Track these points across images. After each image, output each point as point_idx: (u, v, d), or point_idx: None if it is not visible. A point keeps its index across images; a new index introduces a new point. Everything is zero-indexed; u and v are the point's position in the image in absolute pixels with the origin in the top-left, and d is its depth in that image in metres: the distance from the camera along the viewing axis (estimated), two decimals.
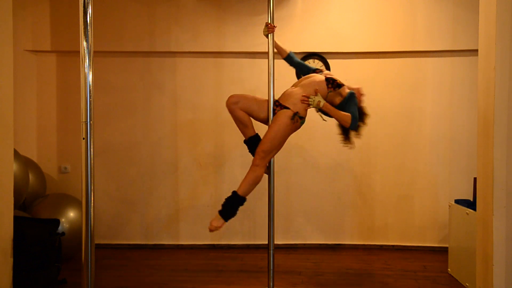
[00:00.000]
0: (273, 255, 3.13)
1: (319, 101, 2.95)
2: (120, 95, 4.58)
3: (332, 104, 3.04)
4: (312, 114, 3.28)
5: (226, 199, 2.97)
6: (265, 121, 3.09)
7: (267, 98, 3.09)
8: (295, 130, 3.01)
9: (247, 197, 2.97)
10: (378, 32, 4.44)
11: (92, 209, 2.33)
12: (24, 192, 3.72)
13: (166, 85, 4.59)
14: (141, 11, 4.50)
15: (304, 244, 4.58)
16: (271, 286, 3.14)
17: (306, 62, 3.72)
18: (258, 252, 4.34)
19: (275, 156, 3.13)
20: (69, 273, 3.54)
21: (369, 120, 3.19)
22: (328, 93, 3.02)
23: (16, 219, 3.01)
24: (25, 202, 3.94)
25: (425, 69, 4.49)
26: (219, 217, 2.94)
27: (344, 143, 3.12)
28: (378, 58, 4.50)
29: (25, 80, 4.49)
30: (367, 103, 3.21)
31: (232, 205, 2.94)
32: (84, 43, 2.29)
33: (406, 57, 4.49)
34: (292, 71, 4.41)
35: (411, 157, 4.51)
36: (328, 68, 4.44)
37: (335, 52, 4.47)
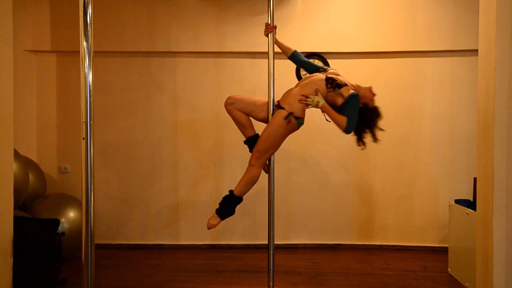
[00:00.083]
0: (273, 255, 3.13)
1: (318, 101, 2.89)
2: (120, 95, 4.58)
3: (334, 104, 2.93)
4: (312, 114, 3.29)
5: (223, 198, 3.05)
6: (265, 121, 3.09)
7: (266, 98, 3.09)
8: (292, 131, 2.97)
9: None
10: (378, 32, 4.44)
11: (92, 209, 2.33)
12: (24, 192, 3.72)
13: (166, 85, 4.59)
14: (141, 11, 4.50)
15: (304, 244, 4.58)
16: (271, 286, 3.14)
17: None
18: (258, 252, 4.34)
19: (275, 156, 3.13)
20: (69, 273, 3.55)
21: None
22: (327, 93, 2.92)
23: (16, 219, 3.01)
24: (25, 202, 3.94)
25: (425, 69, 4.49)
26: (216, 215, 3.02)
27: (357, 144, 3.03)
28: (378, 58, 4.50)
29: (25, 80, 4.49)
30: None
31: (228, 205, 3.02)
32: (84, 43, 2.29)
33: (406, 57, 4.49)
34: (292, 71, 4.43)
35: (411, 157, 4.51)
36: None
37: (335, 52, 4.47)
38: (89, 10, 2.29)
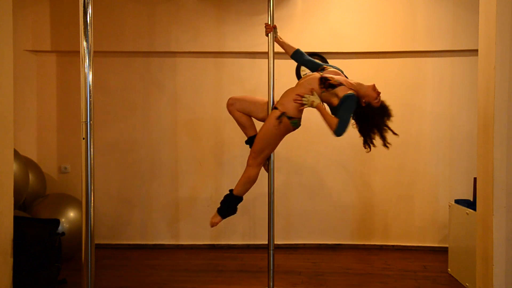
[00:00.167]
0: (273, 255, 3.13)
1: (313, 101, 2.83)
2: (120, 95, 4.58)
3: (330, 105, 2.88)
4: (312, 114, 3.28)
5: (224, 197, 3.07)
6: (265, 121, 3.09)
7: (266, 98, 3.09)
8: (287, 131, 2.92)
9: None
10: (378, 32, 4.44)
11: (92, 209, 2.33)
12: (24, 192, 3.72)
13: (166, 85, 4.59)
14: (141, 11, 4.50)
15: (304, 244, 4.58)
16: (271, 286, 3.14)
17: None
18: (258, 252, 4.34)
19: (275, 156, 3.13)
20: (69, 273, 3.54)
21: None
22: (321, 93, 2.84)
23: (16, 219, 3.01)
24: (25, 202, 3.94)
25: (425, 69, 4.49)
26: (217, 214, 3.06)
27: (363, 146, 2.95)
28: (378, 58, 4.50)
29: (25, 80, 4.49)
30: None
31: (228, 204, 3.05)
32: (84, 43, 2.29)
33: (406, 57, 4.49)
34: (292, 71, 4.43)
35: (411, 157, 4.51)
36: None
37: (335, 52, 4.47)
38: (89, 10, 2.29)
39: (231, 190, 3.04)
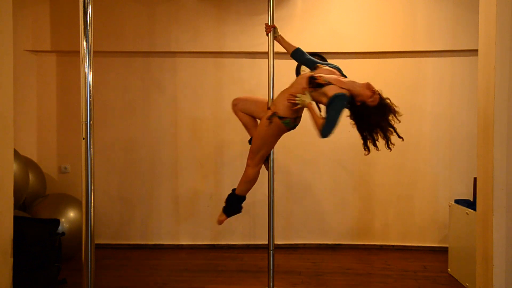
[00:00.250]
0: (273, 255, 3.13)
1: (304, 100, 2.71)
2: (120, 95, 4.58)
3: (321, 104, 2.78)
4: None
5: (227, 196, 3.11)
6: None
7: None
8: (280, 131, 2.86)
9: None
10: (378, 32, 4.44)
11: (92, 209, 2.32)
12: (24, 192, 3.72)
13: (166, 85, 4.59)
14: (141, 11, 4.50)
15: (304, 244, 4.58)
16: (271, 286, 3.14)
17: None
18: (258, 252, 4.34)
19: (275, 156, 3.14)
20: (69, 273, 3.54)
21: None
22: (310, 92, 2.73)
23: (16, 219, 3.01)
24: (25, 202, 3.94)
25: (425, 69, 4.49)
26: (222, 213, 3.10)
27: (364, 148, 2.84)
28: (378, 58, 4.50)
29: (25, 80, 4.49)
30: None
31: (231, 203, 3.08)
32: (84, 43, 2.29)
33: (406, 57, 4.49)
34: (292, 71, 4.43)
35: (411, 157, 4.51)
36: None
37: (335, 52, 4.46)
38: (89, 10, 2.29)
39: (234, 190, 3.07)
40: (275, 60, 3.11)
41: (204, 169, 4.59)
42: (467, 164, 4.38)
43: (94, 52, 2.36)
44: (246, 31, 4.47)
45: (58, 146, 4.61)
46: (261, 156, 2.98)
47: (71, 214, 3.94)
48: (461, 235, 3.62)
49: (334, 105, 2.60)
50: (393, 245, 4.54)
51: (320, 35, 4.46)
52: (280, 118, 2.81)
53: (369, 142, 2.78)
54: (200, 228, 4.56)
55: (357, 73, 4.40)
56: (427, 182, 4.51)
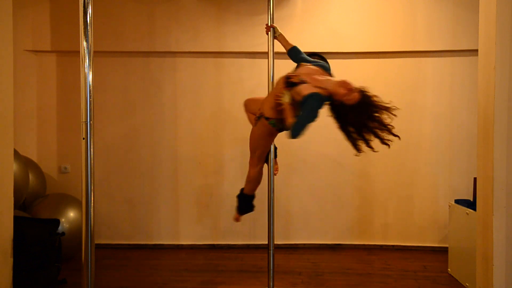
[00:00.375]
0: (273, 255, 3.13)
1: (284, 100, 2.59)
2: (120, 95, 4.58)
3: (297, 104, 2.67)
4: None
5: (237, 195, 3.15)
6: None
7: None
8: (269, 131, 2.80)
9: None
10: (378, 32, 4.44)
11: (92, 209, 2.33)
12: (24, 192, 3.72)
13: (166, 85, 4.59)
14: (141, 11, 4.49)
15: (304, 244, 4.58)
16: (271, 286, 3.14)
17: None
18: (258, 252, 4.34)
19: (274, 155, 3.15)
20: (69, 273, 3.54)
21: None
22: (287, 92, 2.60)
23: (16, 219, 3.01)
24: (25, 202, 3.94)
25: (425, 69, 4.49)
26: (236, 212, 3.16)
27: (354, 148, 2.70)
28: (378, 58, 4.50)
29: (25, 80, 4.49)
30: None
31: (240, 202, 3.12)
32: (84, 43, 2.29)
33: (406, 57, 4.49)
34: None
35: (411, 157, 4.51)
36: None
37: (335, 52, 4.46)
38: (89, 10, 2.29)
39: (242, 189, 3.10)
40: (275, 60, 3.11)
41: (204, 169, 4.59)
42: (467, 164, 4.38)
43: (94, 52, 2.36)
44: (246, 31, 4.47)
45: (58, 146, 4.61)
46: (258, 156, 2.98)
47: (71, 214, 3.94)
48: (461, 235, 3.62)
49: (306, 105, 2.48)
50: (393, 245, 4.54)
51: (320, 35, 4.46)
52: (266, 119, 2.76)
53: (361, 142, 2.62)
54: (200, 228, 4.55)
55: (357, 73, 4.43)
56: (427, 182, 4.51)
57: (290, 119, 2.51)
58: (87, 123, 2.30)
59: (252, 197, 3.08)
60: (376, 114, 2.54)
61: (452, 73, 4.46)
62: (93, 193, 2.33)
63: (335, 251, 4.48)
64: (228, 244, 4.58)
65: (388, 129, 2.57)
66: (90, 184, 2.32)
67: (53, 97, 4.60)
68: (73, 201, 4.06)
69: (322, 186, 4.57)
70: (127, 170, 4.59)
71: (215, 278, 3.72)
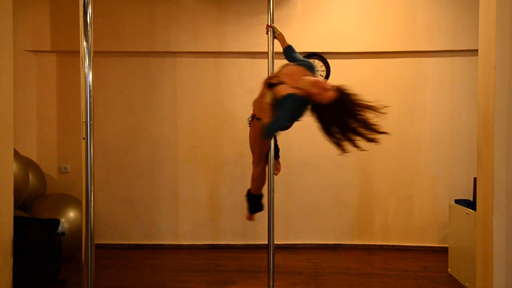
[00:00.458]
0: (273, 255, 3.13)
1: (267, 100, 2.61)
2: (120, 95, 4.58)
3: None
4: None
5: (245, 195, 3.27)
6: None
7: None
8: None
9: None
10: (378, 32, 4.44)
11: (92, 209, 2.33)
12: (24, 192, 3.72)
13: (166, 85, 4.59)
14: (141, 11, 4.49)
15: (304, 244, 4.58)
16: (271, 286, 3.14)
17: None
18: (258, 252, 4.34)
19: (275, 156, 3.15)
20: (69, 273, 3.55)
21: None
22: (268, 92, 2.63)
23: (16, 219, 3.01)
24: (25, 202, 3.94)
25: (425, 69, 4.49)
26: (247, 211, 3.30)
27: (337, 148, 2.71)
28: (378, 58, 4.50)
29: (25, 80, 4.49)
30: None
31: (249, 202, 3.22)
32: (84, 43, 2.29)
33: (406, 57, 4.49)
34: None
35: (411, 157, 4.51)
36: (328, 68, 4.44)
37: (335, 52, 4.47)
38: (89, 10, 2.29)
39: (249, 189, 3.18)
40: (275, 60, 3.11)
41: (204, 169, 4.59)
42: (467, 164, 4.38)
43: (94, 52, 2.36)
44: (246, 31, 4.47)
45: (58, 146, 4.61)
46: (258, 156, 3.01)
47: (71, 214, 3.94)
48: (461, 235, 3.62)
49: (281, 106, 2.49)
50: (393, 245, 4.54)
51: (320, 35, 4.46)
52: (258, 119, 2.80)
53: (347, 143, 2.59)
54: (200, 228, 4.55)
55: (357, 73, 4.44)
56: (427, 182, 4.51)
57: (265, 119, 2.54)
58: (87, 123, 2.31)
59: (259, 196, 3.16)
60: (359, 113, 2.43)
61: (452, 73, 4.46)
62: (93, 193, 2.34)
63: (335, 251, 4.48)
64: (228, 244, 4.58)
65: (372, 128, 2.44)
66: (90, 184, 2.32)
67: (53, 97, 4.60)
68: (73, 201, 4.06)
69: (322, 186, 4.57)
70: (127, 170, 4.59)
71: (215, 278, 3.72)
